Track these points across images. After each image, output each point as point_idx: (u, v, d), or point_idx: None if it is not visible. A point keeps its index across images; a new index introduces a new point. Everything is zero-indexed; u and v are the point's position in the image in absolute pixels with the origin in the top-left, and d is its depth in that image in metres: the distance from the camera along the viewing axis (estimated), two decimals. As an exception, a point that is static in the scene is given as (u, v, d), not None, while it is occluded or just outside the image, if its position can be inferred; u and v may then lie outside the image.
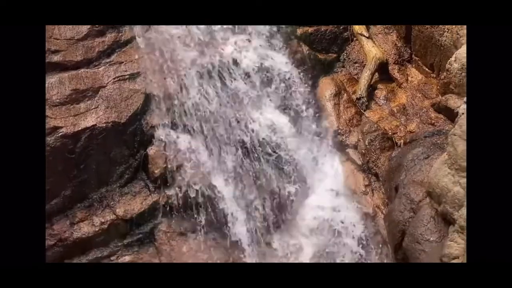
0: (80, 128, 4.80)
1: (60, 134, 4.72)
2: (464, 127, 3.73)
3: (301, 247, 5.18)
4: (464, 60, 4.70)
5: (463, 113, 3.88)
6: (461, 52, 4.79)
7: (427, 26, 5.49)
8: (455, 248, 3.86)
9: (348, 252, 5.05)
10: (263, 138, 5.32)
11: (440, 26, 5.29)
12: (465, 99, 3.87)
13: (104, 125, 4.88)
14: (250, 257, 5.06)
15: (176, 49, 5.30)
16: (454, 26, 5.13)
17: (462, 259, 3.76)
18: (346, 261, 4.99)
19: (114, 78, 5.09)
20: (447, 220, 4.05)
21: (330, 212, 5.28)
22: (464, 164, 3.69)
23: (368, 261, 4.99)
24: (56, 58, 5.00)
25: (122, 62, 5.15)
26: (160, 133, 5.07)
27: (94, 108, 4.94)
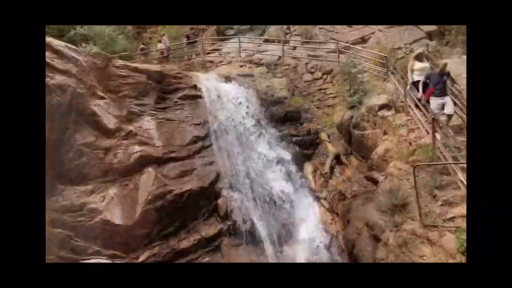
0: (184, 190, 8.54)
1: (173, 193, 8.42)
2: (384, 188, 7.22)
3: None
4: (381, 153, 8.42)
5: (381, 181, 7.27)
6: (379, 150, 8.48)
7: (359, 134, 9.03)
8: (382, 254, 6.99)
9: (324, 257, 8.71)
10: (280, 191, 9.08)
11: (366, 133, 8.87)
12: (383, 172, 7.22)
13: (196, 188, 8.61)
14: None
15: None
16: (374, 131, 8.74)
17: (386, 260, 6.68)
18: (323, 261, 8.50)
19: (201, 164, 8.88)
20: (377, 239, 7.31)
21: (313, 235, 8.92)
22: (385, 208, 6.90)
23: (335, 261, 8.55)
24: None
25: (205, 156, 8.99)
26: (224, 192, 8.81)
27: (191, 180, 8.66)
